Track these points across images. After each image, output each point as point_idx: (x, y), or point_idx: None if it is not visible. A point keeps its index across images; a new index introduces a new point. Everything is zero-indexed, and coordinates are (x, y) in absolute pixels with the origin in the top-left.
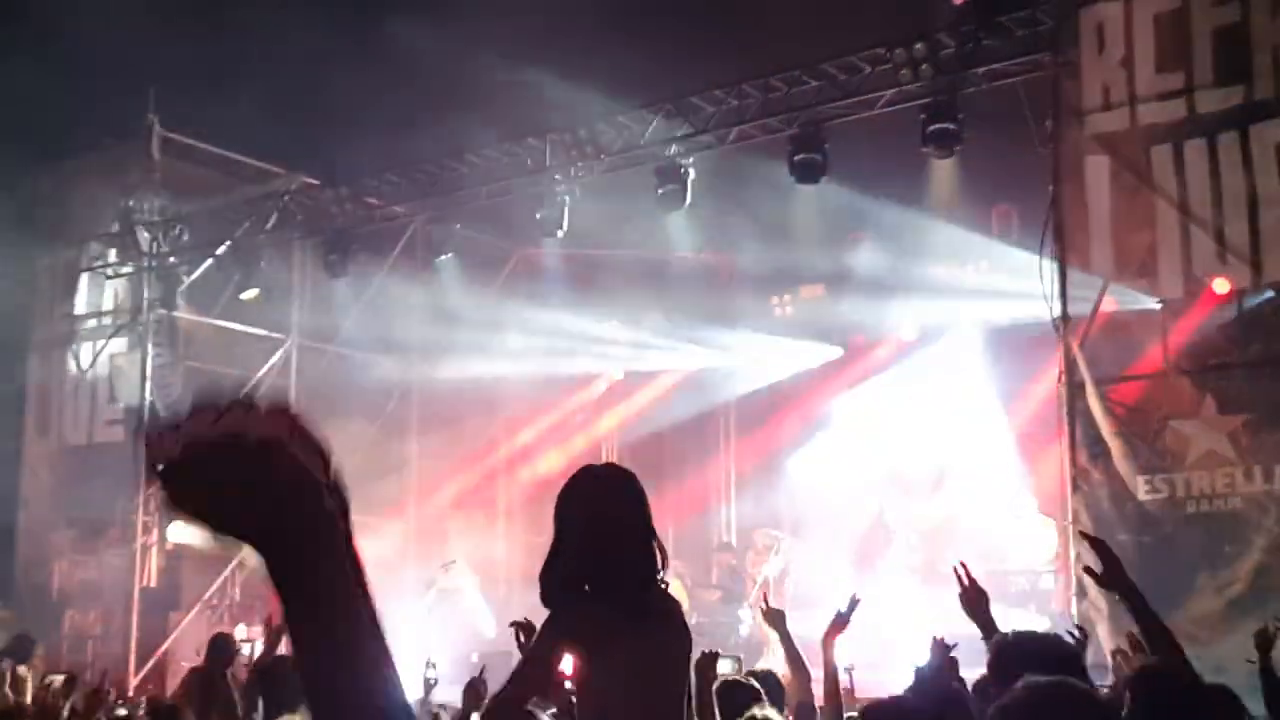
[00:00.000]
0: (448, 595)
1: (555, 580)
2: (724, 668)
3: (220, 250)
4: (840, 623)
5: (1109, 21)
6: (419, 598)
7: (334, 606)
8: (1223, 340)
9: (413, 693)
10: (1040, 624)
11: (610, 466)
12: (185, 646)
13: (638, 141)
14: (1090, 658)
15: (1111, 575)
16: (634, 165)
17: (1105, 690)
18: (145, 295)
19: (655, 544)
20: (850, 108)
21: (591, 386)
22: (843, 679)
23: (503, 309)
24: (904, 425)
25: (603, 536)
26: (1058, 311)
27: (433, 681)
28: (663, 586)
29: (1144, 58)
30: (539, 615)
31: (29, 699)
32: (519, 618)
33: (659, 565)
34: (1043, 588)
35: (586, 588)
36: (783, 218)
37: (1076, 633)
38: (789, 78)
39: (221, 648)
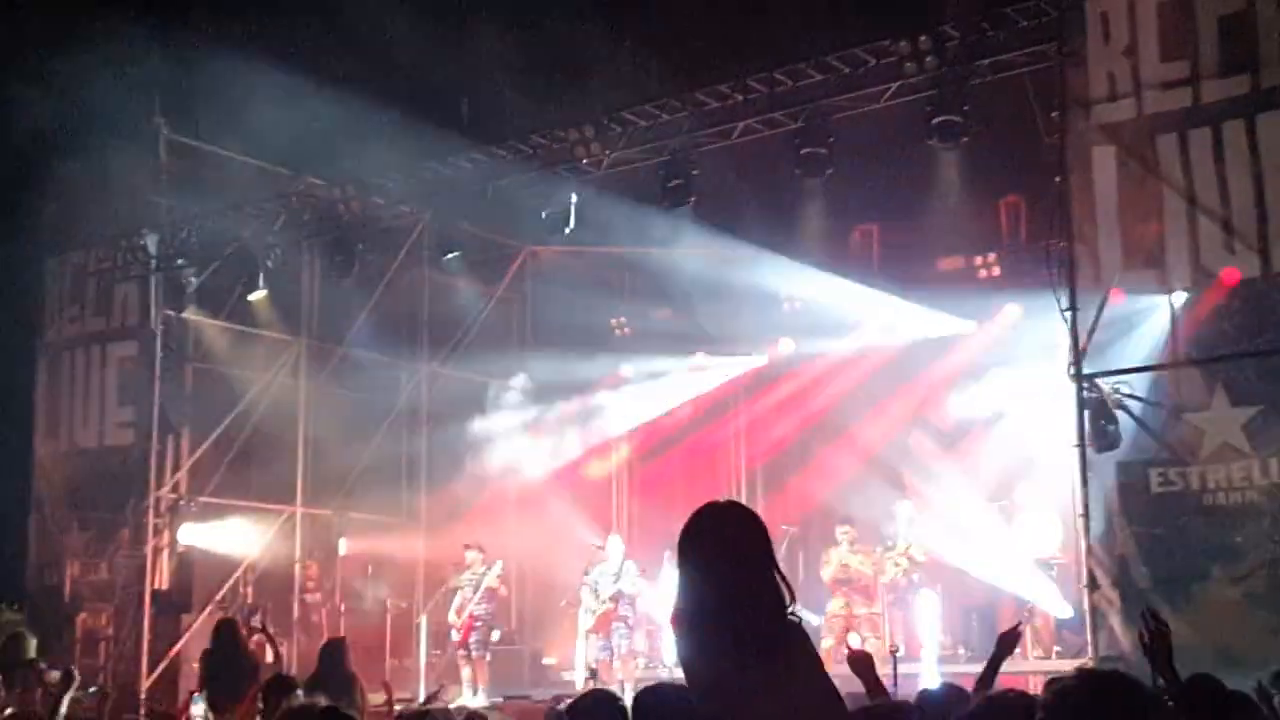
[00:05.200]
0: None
1: (682, 622)
2: None
3: (228, 252)
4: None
5: (1113, 11)
6: (430, 596)
7: None
8: (1232, 330)
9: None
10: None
11: (732, 503)
12: (197, 648)
13: (643, 138)
14: (1104, 648)
15: (1156, 661)
16: (639, 161)
17: None
18: (153, 297)
19: (780, 577)
20: (855, 101)
21: (600, 384)
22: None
23: (510, 306)
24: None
25: (730, 570)
26: (1066, 303)
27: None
28: (793, 619)
29: (1148, 47)
30: (542, 612)
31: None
32: None
33: (787, 598)
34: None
35: (712, 624)
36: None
37: None
38: (793, 71)
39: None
